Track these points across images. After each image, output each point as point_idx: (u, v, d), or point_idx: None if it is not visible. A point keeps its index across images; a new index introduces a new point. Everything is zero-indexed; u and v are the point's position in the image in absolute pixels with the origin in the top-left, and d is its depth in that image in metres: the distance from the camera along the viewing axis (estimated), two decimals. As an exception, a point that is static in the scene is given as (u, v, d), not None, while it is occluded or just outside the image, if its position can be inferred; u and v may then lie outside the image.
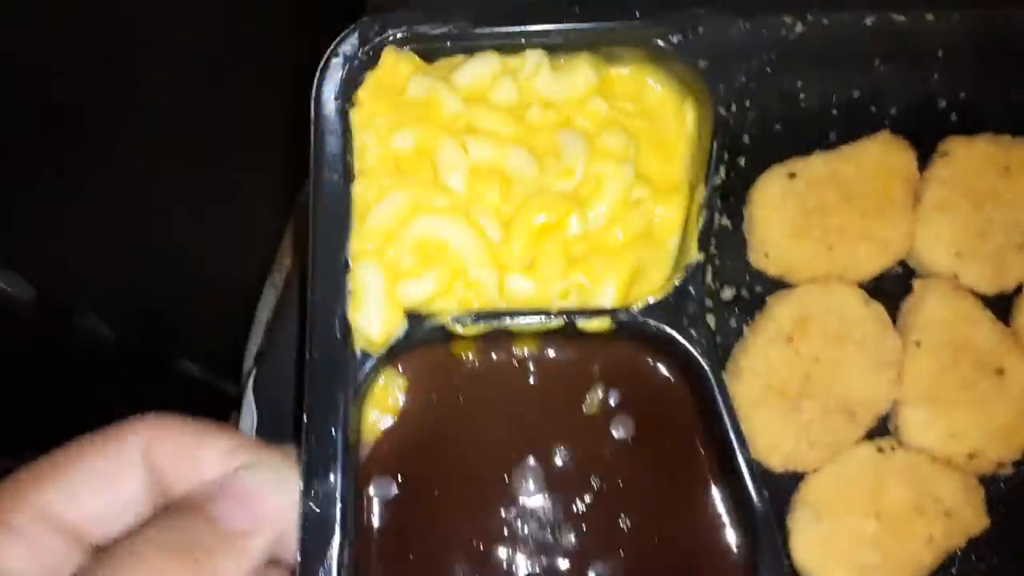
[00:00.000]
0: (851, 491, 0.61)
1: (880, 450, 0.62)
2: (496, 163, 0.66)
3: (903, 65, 0.68)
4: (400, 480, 0.63)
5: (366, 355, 0.64)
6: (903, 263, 0.66)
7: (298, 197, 1.14)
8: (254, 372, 0.90)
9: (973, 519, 0.61)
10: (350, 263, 0.64)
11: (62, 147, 1.00)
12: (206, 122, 1.19)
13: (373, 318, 0.63)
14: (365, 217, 0.65)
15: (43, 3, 0.91)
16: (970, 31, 0.66)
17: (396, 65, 0.67)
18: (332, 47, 0.67)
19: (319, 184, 0.66)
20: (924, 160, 0.67)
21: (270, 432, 0.84)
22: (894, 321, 0.64)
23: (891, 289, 0.65)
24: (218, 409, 1.18)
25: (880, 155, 0.66)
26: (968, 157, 0.65)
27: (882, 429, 0.63)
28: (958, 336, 0.63)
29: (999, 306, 0.64)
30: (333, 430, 0.62)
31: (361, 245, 0.65)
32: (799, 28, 0.67)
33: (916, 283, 0.65)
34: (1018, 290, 0.64)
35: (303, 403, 0.62)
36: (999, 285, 0.64)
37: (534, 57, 0.68)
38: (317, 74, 0.67)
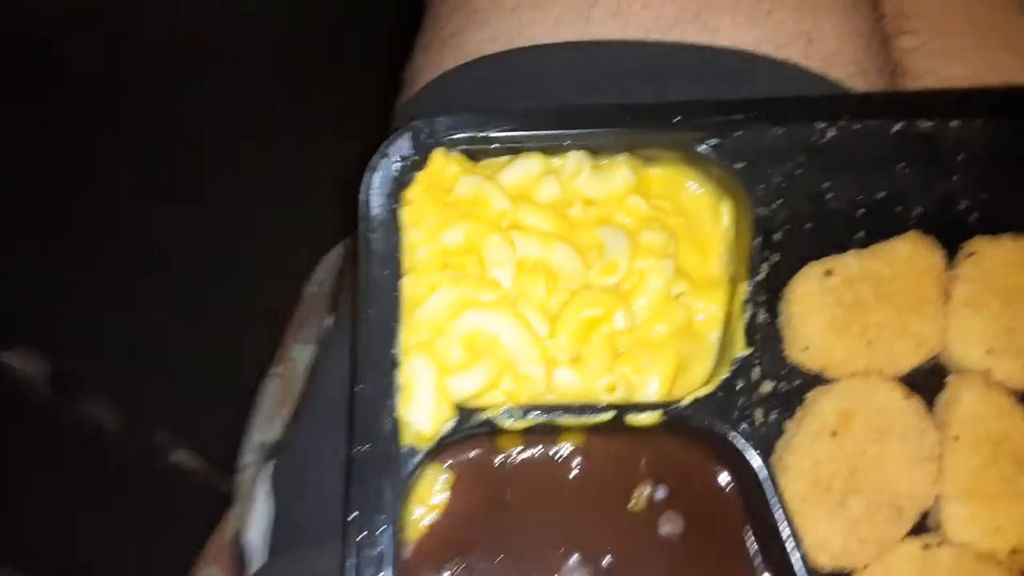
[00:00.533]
0: None
1: (926, 547, 0.61)
2: (542, 259, 0.66)
3: (926, 168, 0.71)
4: (446, 578, 0.62)
5: (413, 450, 0.63)
6: (935, 359, 0.67)
7: (305, 288, 1.14)
8: (273, 465, 0.88)
9: None
10: (399, 357, 0.65)
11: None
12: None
13: (424, 412, 0.62)
14: (414, 312, 0.66)
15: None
16: (991, 137, 0.70)
17: (445, 165, 0.68)
18: (382, 148, 0.69)
19: (368, 280, 0.66)
20: (951, 259, 0.68)
21: (289, 527, 0.82)
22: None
23: (925, 384, 0.65)
24: (212, 502, 1.15)
25: (910, 254, 0.67)
26: (994, 256, 0.66)
27: (923, 525, 0.63)
28: (995, 431, 0.62)
29: (1033, 401, 0.66)
30: (381, 529, 0.60)
31: (411, 339, 0.65)
32: (830, 133, 0.69)
33: (950, 379, 0.65)
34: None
35: (347, 500, 0.62)
36: (1032, 381, 0.65)
37: (575, 158, 0.70)
38: (365, 175, 0.69)
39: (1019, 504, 0.61)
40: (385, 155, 0.68)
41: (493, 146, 0.69)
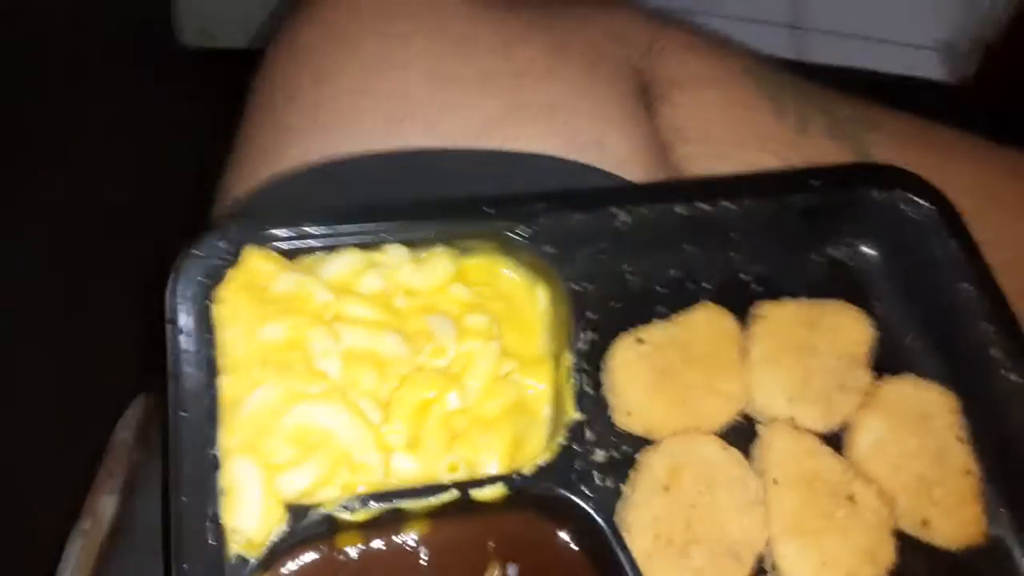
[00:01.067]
0: None
1: None
2: (369, 347, 0.65)
3: (709, 247, 0.79)
4: None
5: (243, 560, 0.57)
6: (744, 411, 0.70)
7: (113, 435, 1.03)
8: None
9: None
10: (219, 460, 0.59)
11: None
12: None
13: (252, 515, 0.56)
14: (234, 412, 0.61)
15: None
16: (757, 215, 0.79)
17: (259, 263, 0.66)
18: (187, 249, 0.66)
19: (179, 384, 0.61)
20: (742, 322, 0.74)
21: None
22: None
23: (740, 435, 0.68)
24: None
25: (708, 320, 0.72)
26: (779, 317, 0.72)
27: (762, 567, 0.63)
28: (808, 471, 0.65)
29: (832, 442, 0.68)
30: (211, 653, 0.53)
31: (232, 441, 0.59)
32: (623, 218, 0.75)
33: (761, 428, 0.68)
34: (844, 426, 0.69)
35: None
36: (829, 422, 0.68)
37: (396, 252, 0.70)
38: (171, 276, 0.65)
39: (842, 537, 0.63)
40: (192, 254, 0.65)
41: (308, 243, 0.69)
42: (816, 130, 0.90)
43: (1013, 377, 0.71)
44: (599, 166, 0.82)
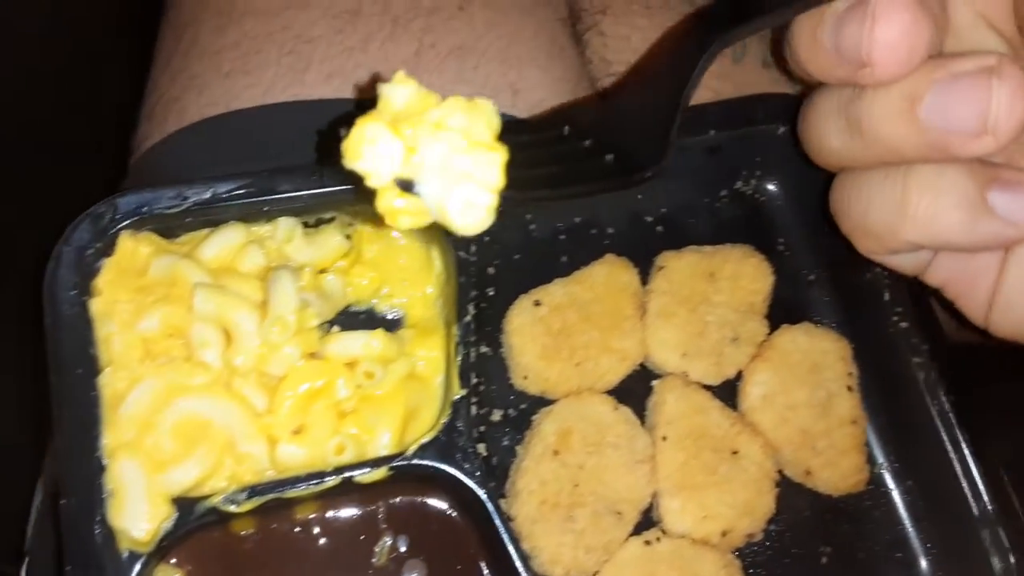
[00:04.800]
0: None
1: (647, 543, 0.59)
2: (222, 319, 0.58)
3: (613, 192, 0.72)
4: None
5: (134, 555, 0.55)
6: (643, 366, 0.65)
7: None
8: (25, 564, 0.77)
9: None
10: (105, 461, 0.56)
11: None
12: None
13: (137, 516, 0.52)
14: (117, 409, 0.57)
15: None
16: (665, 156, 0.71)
17: (135, 249, 0.59)
18: (63, 238, 0.60)
19: (61, 383, 0.57)
20: (644, 275, 0.67)
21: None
22: (642, 421, 0.64)
23: (635, 391, 0.64)
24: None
25: (608, 275, 0.65)
26: (679, 269, 0.65)
27: (649, 523, 0.61)
28: (696, 427, 0.61)
29: (726, 392, 0.65)
30: (107, 649, 0.52)
31: (116, 439, 0.55)
32: None
33: (655, 384, 0.64)
34: (739, 377, 0.65)
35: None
36: (722, 376, 0.64)
37: (286, 225, 0.62)
38: (48, 268, 0.59)
39: (722, 491, 0.60)
40: (67, 244, 0.59)
41: (188, 220, 0.62)
42: (752, 60, 0.79)
43: (903, 323, 0.67)
44: (511, 113, 0.73)
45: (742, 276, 0.67)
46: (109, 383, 0.55)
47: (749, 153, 0.71)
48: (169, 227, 0.61)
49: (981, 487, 0.60)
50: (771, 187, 0.73)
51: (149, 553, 0.53)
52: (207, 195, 0.60)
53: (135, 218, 0.59)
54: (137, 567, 0.53)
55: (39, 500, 0.87)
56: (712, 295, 0.66)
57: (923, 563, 0.64)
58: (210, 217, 0.61)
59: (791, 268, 0.71)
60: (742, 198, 0.73)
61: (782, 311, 0.68)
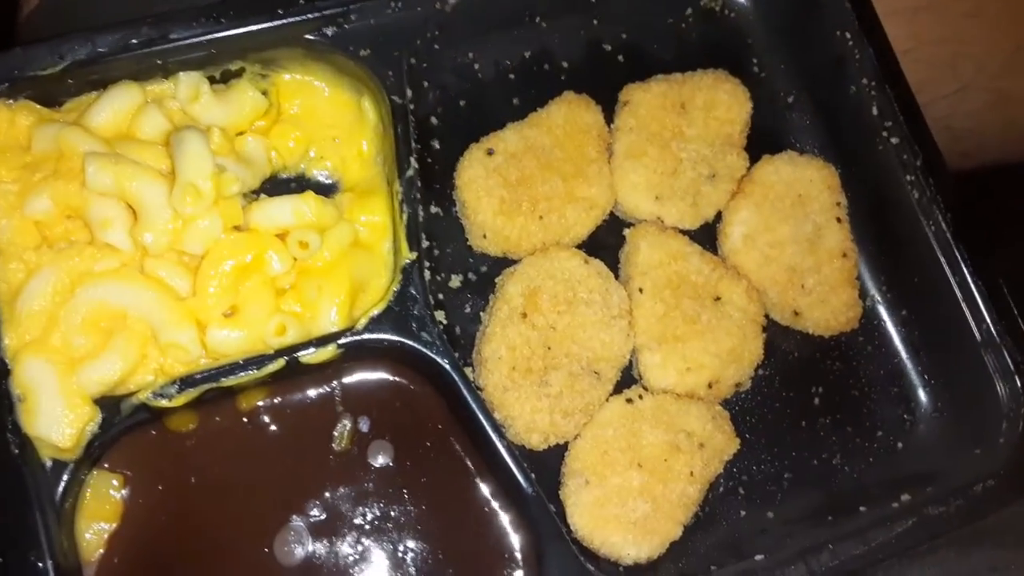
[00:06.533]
0: (610, 448, 0.53)
1: (629, 401, 0.54)
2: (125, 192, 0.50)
3: (564, 17, 0.60)
4: (141, 591, 0.50)
5: (60, 463, 0.49)
6: (613, 216, 0.58)
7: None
8: None
9: (726, 444, 0.55)
10: (8, 364, 0.49)
11: None
12: None
13: (54, 421, 0.45)
14: (14, 305, 0.50)
15: None
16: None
17: (12, 119, 0.49)
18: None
19: (-57, 279, 0.49)
20: (609, 112, 0.59)
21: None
22: (616, 274, 0.57)
23: (607, 242, 0.58)
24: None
25: (568, 116, 0.57)
26: (646, 102, 0.58)
27: (628, 380, 0.56)
28: (674, 275, 0.56)
29: (706, 235, 0.59)
30: (39, 564, 0.47)
31: (18, 339, 0.47)
32: (451, 3, 0.58)
33: (627, 232, 0.57)
34: (718, 218, 0.59)
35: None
36: (700, 218, 0.58)
37: (189, 81, 0.52)
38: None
39: (706, 341, 0.54)
40: (-71, 120, 0.50)
41: (68, 83, 0.52)
42: None
43: (893, 139, 0.60)
44: None
45: (716, 105, 0.59)
46: (1, 276, 0.47)
47: (716, -42, 0.61)
48: (50, 93, 0.51)
49: (983, 308, 0.55)
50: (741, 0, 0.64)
51: (76, 460, 0.47)
52: (86, 49, 0.50)
53: (6, 84, 0.49)
54: (65, 476, 0.46)
55: None
56: (684, 128, 0.59)
57: (922, 395, 0.60)
58: (96, 77, 0.52)
59: (768, 91, 0.63)
60: (710, 16, 0.64)
61: (760, 139, 0.61)
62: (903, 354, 0.61)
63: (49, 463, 0.47)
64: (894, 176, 0.58)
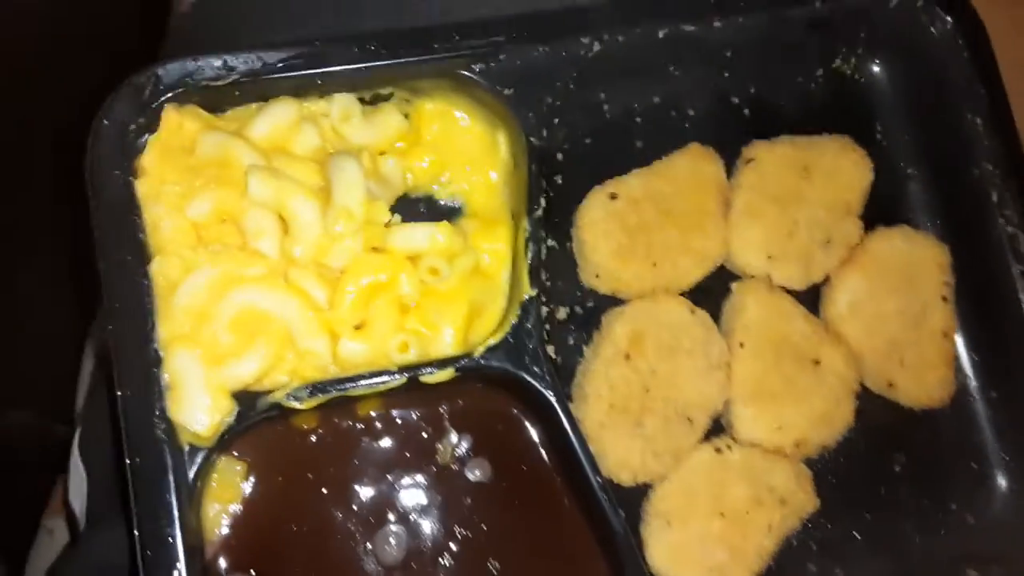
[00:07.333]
0: (695, 494, 0.56)
1: (718, 450, 0.57)
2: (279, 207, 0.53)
3: (696, 68, 0.62)
4: (255, 571, 0.54)
5: (195, 448, 0.53)
6: (722, 268, 0.60)
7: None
8: (78, 433, 0.76)
9: (805, 502, 0.57)
10: (161, 353, 0.53)
11: None
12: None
13: (197, 411, 0.49)
14: (170, 298, 0.54)
15: None
16: (753, 31, 0.62)
17: (180, 124, 0.53)
18: (102, 110, 0.53)
19: (109, 270, 0.52)
20: (730, 166, 0.60)
21: (105, 493, 0.71)
22: (719, 323, 0.59)
23: (713, 294, 0.59)
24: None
25: (690, 167, 0.58)
26: (771, 162, 0.59)
27: (718, 428, 0.58)
28: (776, 334, 0.57)
29: (810, 297, 0.60)
30: (170, 538, 0.51)
31: (171, 331, 0.51)
32: (596, 47, 0.60)
33: (734, 286, 0.59)
34: (824, 281, 0.60)
35: (128, 517, 0.52)
36: (808, 280, 0.59)
37: (343, 103, 0.54)
38: (88, 143, 0.53)
39: (799, 401, 0.57)
40: (107, 119, 0.53)
41: (235, 93, 0.56)
42: None
43: (1009, 228, 0.60)
44: None
45: (839, 172, 0.60)
46: (161, 271, 0.51)
47: (854, 27, 0.62)
48: (215, 100, 0.55)
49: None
50: (874, 67, 0.64)
51: (212, 447, 0.51)
52: (255, 66, 0.53)
53: (179, 90, 0.53)
54: (199, 459, 0.51)
55: (91, 366, 0.86)
56: (805, 192, 0.60)
57: (1000, 476, 0.62)
58: (259, 90, 0.55)
59: (888, 160, 0.64)
60: (840, 79, 0.65)
61: (875, 206, 0.62)
62: (988, 433, 0.62)
63: (187, 448, 0.51)
64: (1004, 264, 0.59)
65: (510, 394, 0.56)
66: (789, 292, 0.60)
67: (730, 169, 0.61)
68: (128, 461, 0.50)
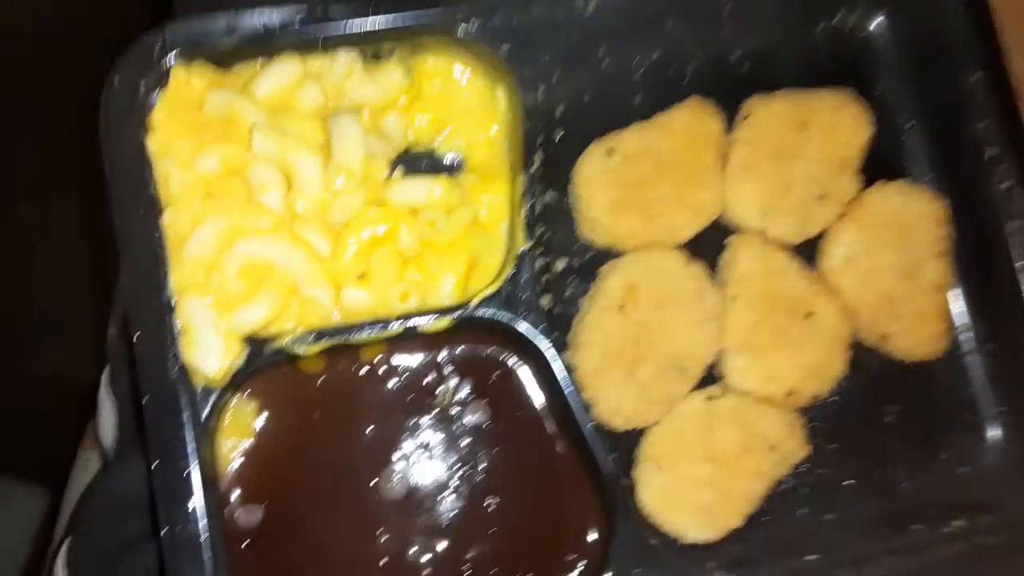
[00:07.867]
0: (686, 439, 0.57)
1: (709, 398, 0.58)
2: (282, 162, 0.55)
3: (696, 24, 0.61)
4: (266, 503, 0.58)
5: (208, 389, 0.56)
6: (718, 221, 0.60)
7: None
8: (107, 369, 0.80)
9: (795, 449, 0.58)
10: (173, 300, 0.56)
11: None
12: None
13: (210, 354, 0.52)
14: (181, 249, 0.56)
15: None
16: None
17: (188, 81, 0.55)
18: (113, 70, 0.56)
19: (124, 222, 0.55)
20: (731, 122, 0.60)
21: (132, 426, 0.75)
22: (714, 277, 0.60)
23: (709, 247, 0.60)
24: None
25: (689, 122, 0.59)
26: (767, 117, 0.59)
27: (712, 379, 0.59)
28: (770, 287, 0.58)
29: (808, 251, 0.60)
30: (186, 473, 0.55)
31: (183, 279, 0.54)
32: (594, 3, 0.60)
33: (730, 240, 0.59)
34: (820, 235, 0.60)
35: (146, 451, 0.55)
36: (804, 234, 0.59)
37: (346, 59, 0.56)
38: (102, 99, 0.56)
39: (791, 353, 0.58)
40: (118, 74, 0.55)
41: (243, 50, 0.57)
42: None
43: (1004, 183, 0.59)
44: None
45: (838, 127, 0.60)
46: (172, 224, 0.54)
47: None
48: (222, 57, 0.56)
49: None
50: (877, 20, 0.63)
51: (224, 388, 0.54)
52: (259, 25, 0.55)
53: (186, 48, 0.55)
54: (212, 399, 0.54)
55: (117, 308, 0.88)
56: (802, 147, 0.60)
57: (993, 426, 0.62)
58: (263, 48, 0.56)
59: (886, 113, 0.63)
60: (840, 34, 0.64)
61: (872, 160, 0.62)
62: (982, 384, 0.63)
63: (200, 388, 0.54)
64: (999, 219, 0.59)
65: (506, 342, 0.58)
66: (786, 247, 0.60)
67: (730, 124, 0.61)
68: (144, 401, 0.53)
